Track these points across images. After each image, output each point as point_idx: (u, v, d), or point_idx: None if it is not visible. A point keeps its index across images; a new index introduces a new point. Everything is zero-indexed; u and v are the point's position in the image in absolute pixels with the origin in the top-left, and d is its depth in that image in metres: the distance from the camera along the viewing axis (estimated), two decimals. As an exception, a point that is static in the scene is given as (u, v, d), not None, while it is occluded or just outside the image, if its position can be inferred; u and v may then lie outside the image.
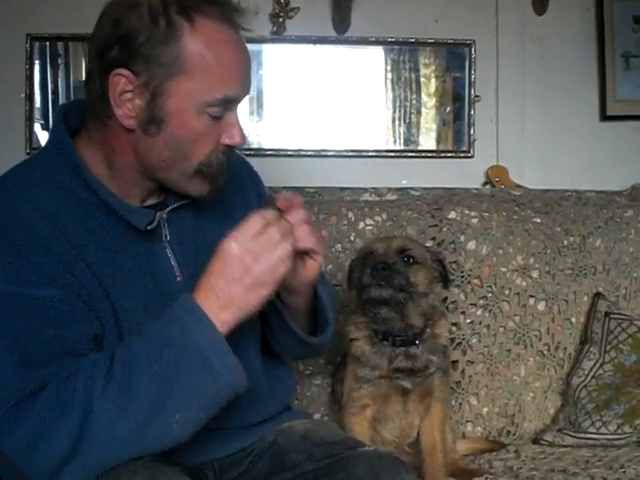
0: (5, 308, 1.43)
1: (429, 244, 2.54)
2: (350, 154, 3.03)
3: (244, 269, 1.42)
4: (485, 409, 2.53)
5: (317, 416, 2.42)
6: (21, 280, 1.44)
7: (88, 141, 1.59)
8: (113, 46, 1.47)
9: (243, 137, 1.58)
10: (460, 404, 2.52)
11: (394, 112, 3.07)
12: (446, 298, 2.48)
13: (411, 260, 2.05)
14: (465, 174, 3.02)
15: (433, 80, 3.08)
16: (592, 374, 2.50)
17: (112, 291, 1.54)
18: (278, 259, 1.44)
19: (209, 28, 1.48)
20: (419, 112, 3.08)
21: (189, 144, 1.53)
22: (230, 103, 1.54)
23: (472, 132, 3.04)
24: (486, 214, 2.59)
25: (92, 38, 1.53)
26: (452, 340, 2.47)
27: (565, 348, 2.59)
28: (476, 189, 2.82)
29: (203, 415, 1.43)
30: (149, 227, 1.60)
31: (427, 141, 3.10)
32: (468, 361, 2.53)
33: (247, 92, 1.58)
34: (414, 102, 3.07)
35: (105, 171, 1.58)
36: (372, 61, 3.05)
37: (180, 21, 1.46)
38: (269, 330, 1.86)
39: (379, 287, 1.99)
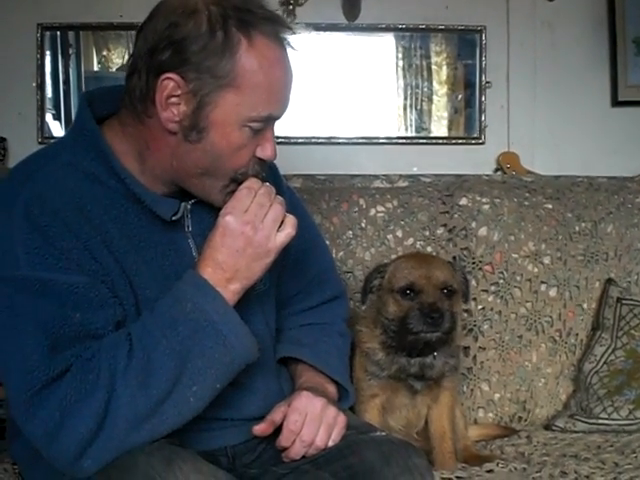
0: (32, 293, 1.44)
1: (440, 231, 2.56)
2: (361, 141, 3.03)
3: (246, 240, 1.49)
4: (497, 395, 2.54)
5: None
6: (47, 265, 1.45)
7: (121, 133, 1.60)
8: (165, 49, 1.47)
9: (275, 152, 1.60)
10: (472, 390, 2.52)
11: (405, 99, 3.06)
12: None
13: (450, 292, 2.03)
14: (476, 161, 3.02)
15: (444, 67, 3.08)
16: (604, 360, 2.50)
17: (135, 279, 1.56)
18: (272, 222, 1.51)
19: (264, 46, 1.50)
20: (430, 99, 3.08)
21: (227, 155, 1.54)
22: (271, 120, 1.57)
23: (483, 118, 3.03)
24: (497, 200, 2.59)
25: (142, 34, 1.53)
26: (464, 326, 2.48)
27: (577, 334, 2.59)
28: (487, 175, 2.81)
29: (219, 385, 1.49)
30: (174, 218, 1.62)
31: (439, 128, 3.10)
32: (480, 347, 2.53)
33: (286, 109, 1.60)
34: (425, 89, 3.06)
35: (135, 165, 1.59)
36: (383, 48, 3.05)
37: (238, 36, 1.47)
38: None
39: (430, 332, 1.98)
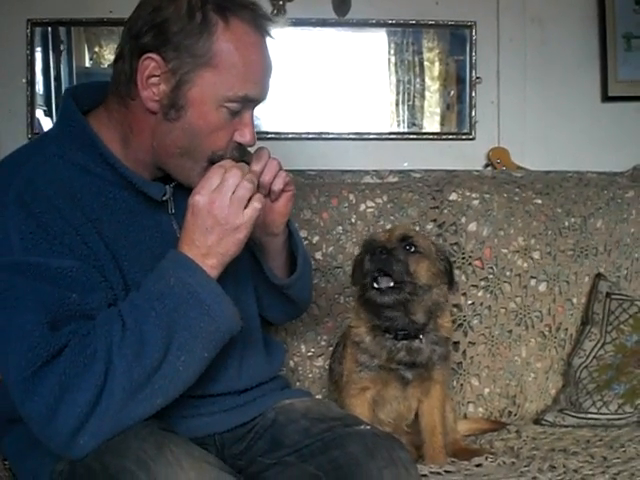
0: (27, 276, 1.47)
1: (430, 226, 2.56)
2: (353, 137, 3.03)
3: (213, 219, 1.51)
4: (486, 390, 2.55)
5: (318, 397, 2.42)
6: (40, 250, 1.49)
7: (107, 120, 1.66)
8: (148, 32, 1.56)
9: (254, 137, 1.66)
10: (462, 385, 2.53)
11: (397, 95, 3.06)
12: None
13: (413, 249, 2.02)
14: (466, 156, 3.02)
15: (437, 63, 3.08)
16: (593, 354, 2.51)
17: (124, 264, 1.60)
18: (240, 199, 1.52)
19: (241, 30, 1.58)
20: (422, 95, 3.07)
21: (204, 135, 1.61)
22: (249, 102, 1.63)
23: (473, 114, 3.03)
24: (487, 196, 2.59)
25: (129, 22, 1.61)
26: (453, 321, 2.47)
27: (566, 329, 2.60)
28: (477, 171, 2.82)
29: (207, 354, 1.52)
30: (164, 198, 1.69)
31: (431, 124, 3.09)
32: (469, 342, 2.54)
33: (265, 96, 1.67)
34: (417, 85, 3.06)
35: (120, 150, 1.65)
36: (375, 44, 3.04)
37: (215, 18, 1.56)
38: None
39: (379, 275, 1.98)
